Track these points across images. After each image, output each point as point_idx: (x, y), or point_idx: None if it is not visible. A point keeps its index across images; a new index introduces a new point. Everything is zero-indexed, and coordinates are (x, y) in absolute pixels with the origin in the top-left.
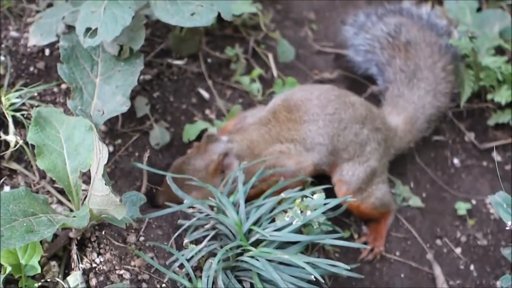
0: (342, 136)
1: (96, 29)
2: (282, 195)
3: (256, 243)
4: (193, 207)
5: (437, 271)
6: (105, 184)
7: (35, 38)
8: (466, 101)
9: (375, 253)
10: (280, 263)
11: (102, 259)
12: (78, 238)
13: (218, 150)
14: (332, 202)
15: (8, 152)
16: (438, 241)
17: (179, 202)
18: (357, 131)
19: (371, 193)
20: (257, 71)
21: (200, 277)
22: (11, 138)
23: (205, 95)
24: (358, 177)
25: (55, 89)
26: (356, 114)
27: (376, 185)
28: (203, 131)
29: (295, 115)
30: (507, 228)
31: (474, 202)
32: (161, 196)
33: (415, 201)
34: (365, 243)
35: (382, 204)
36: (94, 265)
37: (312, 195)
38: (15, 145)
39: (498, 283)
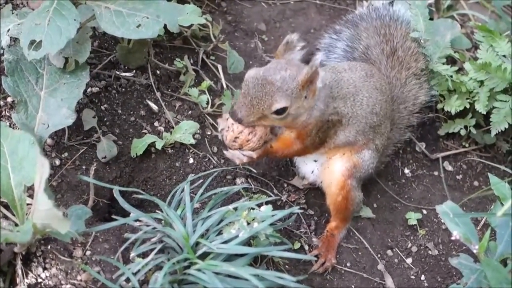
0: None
1: (41, 41)
2: (230, 207)
3: (204, 256)
4: (139, 220)
5: (388, 281)
6: (48, 198)
7: None
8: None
9: (326, 266)
10: (228, 275)
11: (47, 274)
12: (23, 253)
13: (316, 62)
14: (279, 214)
15: None
16: (389, 252)
17: None
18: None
19: (358, 188)
20: (206, 82)
21: None
22: None
23: (154, 107)
24: (368, 166)
25: (1, 102)
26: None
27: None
28: (151, 144)
29: None
30: (453, 238)
31: (425, 212)
32: None
33: (366, 212)
34: (317, 255)
35: (356, 204)
36: (39, 280)
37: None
38: None
39: None
